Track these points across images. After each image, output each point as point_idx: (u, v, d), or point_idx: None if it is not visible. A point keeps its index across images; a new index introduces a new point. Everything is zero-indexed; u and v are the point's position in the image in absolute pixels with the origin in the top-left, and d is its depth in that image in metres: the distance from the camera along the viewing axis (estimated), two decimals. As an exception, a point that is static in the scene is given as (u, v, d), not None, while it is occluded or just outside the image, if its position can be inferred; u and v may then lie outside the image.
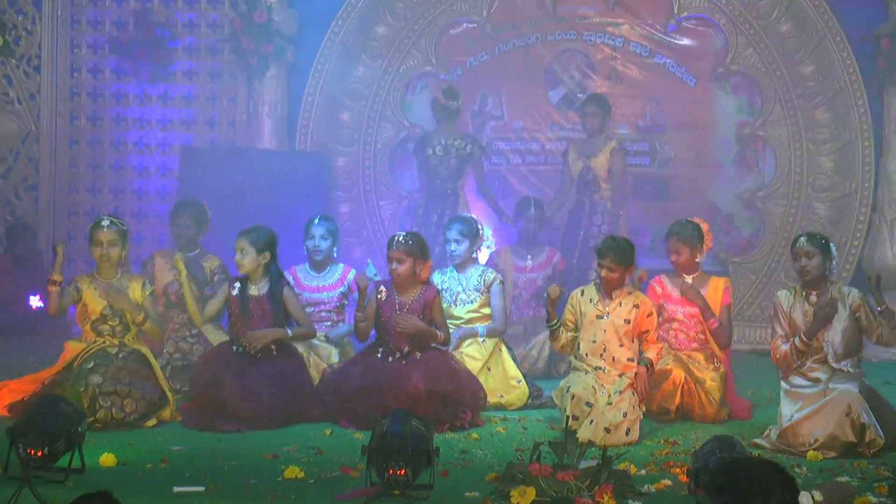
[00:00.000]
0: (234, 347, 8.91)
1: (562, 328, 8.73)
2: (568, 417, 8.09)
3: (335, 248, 10.07)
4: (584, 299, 8.77)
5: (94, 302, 8.84)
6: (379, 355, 8.89)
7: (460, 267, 9.83)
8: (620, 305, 8.67)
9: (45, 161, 12.70)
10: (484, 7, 12.69)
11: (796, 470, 7.54)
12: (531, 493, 6.55)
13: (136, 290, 8.90)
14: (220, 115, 12.81)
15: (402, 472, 6.34)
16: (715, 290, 9.28)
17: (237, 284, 8.98)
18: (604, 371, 8.59)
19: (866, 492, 6.95)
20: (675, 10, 12.49)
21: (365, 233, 12.87)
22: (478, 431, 8.59)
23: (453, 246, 9.81)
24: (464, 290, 9.75)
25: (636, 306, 8.67)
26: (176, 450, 7.89)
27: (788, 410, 8.19)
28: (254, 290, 8.94)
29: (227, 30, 12.62)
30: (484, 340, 9.61)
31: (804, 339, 8.25)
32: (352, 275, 9.96)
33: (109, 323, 8.83)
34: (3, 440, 6.79)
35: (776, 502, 4.31)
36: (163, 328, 9.35)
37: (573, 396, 8.43)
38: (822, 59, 12.31)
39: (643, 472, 7.41)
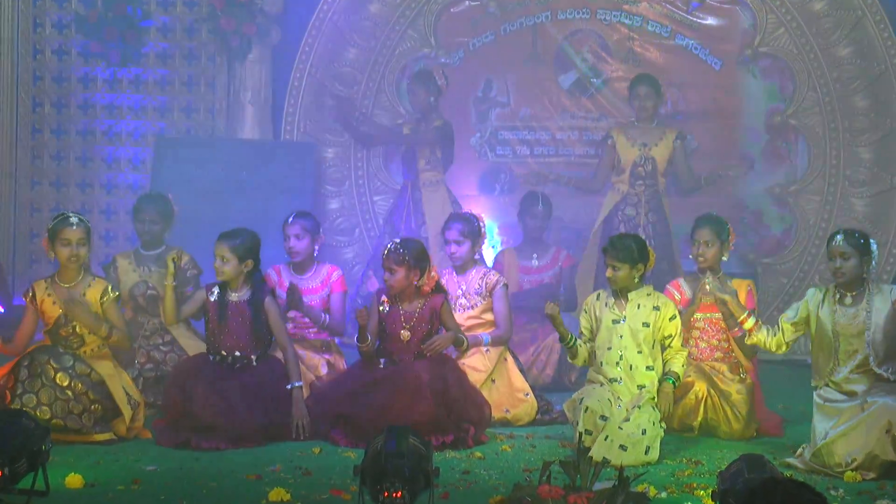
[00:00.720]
0: (211, 357, 8.94)
1: (579, 340, 8.75)
2: (581, 434, 8.11)
3: (316, 247, 10.07)
4: (599, 303, 8.80)
5: (50, 309, 8.81)
6: (381, 366, 8.96)
7: (461, 269, 9.84)
8: (638, 308, 8.69)
9: (3, 152, 12.71)
10: (488, -18, 12.74)
11: (831, 492, 7.59)
12: (540, 517, 6.58)
13: (95, 295, 8.87)
14: (198, 101, 12.83)
15: (399, 494, 6.32)
16: (738, 293, 9.31)
17: (215, 290, 9.00)
18: (620, 382, 8.61)
19: (909, 515, 7.01)
20: (699, -14, 12.55)
21: (357, 231, 12.89)
22: (481, 450, 8.61)
23: (454, 248, 9.80)
24: (463, 294, 9.76)
25: (656, 308, 8.69)
26: (150, 470, 7.92)
27: (823, 427, 8.20)
28: (234, 297, 8.96)
29: (205, 8, 12.62)
30: (488, 350, 9.62)
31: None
32: (336, 276, 9.98)
33: (63, 332, 8.82)
34: (-40, 459, 6.79)
35: None
36: (131, 337, 9.35)
37: (587, 409, 8.45)
38: (860, 40, 12.34)
39: (663, 494, 7.46)
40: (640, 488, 7.11)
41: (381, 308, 9.00)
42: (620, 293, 8.72)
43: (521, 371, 9.75)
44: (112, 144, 12.93)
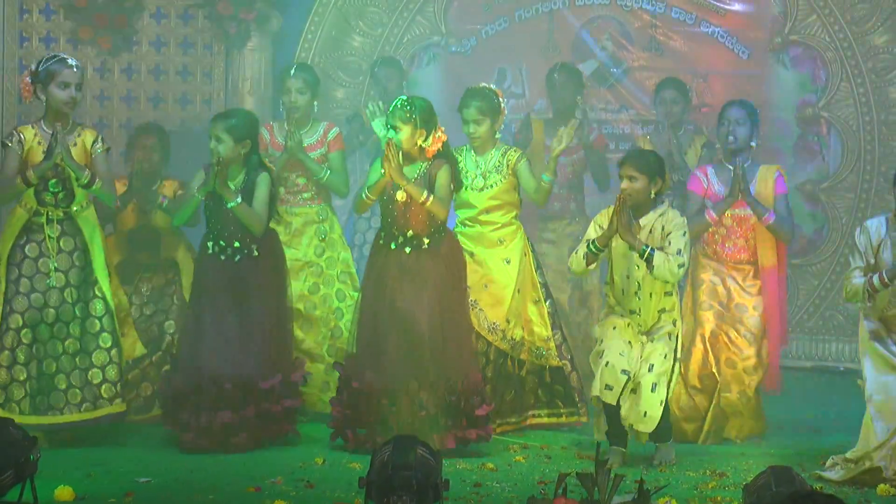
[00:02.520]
0: (211, 245, 9.15)
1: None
2: (597, 397, 8.60)
3: (315, 103, 10.20)
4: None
5: (38, 157, 8.88)
6: (381, 242, 9.12)
7: (480, 150, 9.74)
8: (651, 233, 8.78)
9: (-10, 144, 12.77)
10: (502, -34, 12.78)
11: (864, 506, 7.65)
12: (556, 532, 6.65)
13: (87, 142, 8.97)
14: (194, 91, 12.87)
15: (406, 507, 6.40)
16: (765, 181, 9.48)
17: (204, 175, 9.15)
18: (639, 314, 8.77)
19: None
20: (726, -30, 12.58)
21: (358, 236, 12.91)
22: (494, 461, 8.67)
23: (472, 127, 9.64)
24: (481, 174, 9.68)
25: (663, 228, 8.79)
26: (143, 482, 7.99)
27: (881, 395, 8.26)
28: (230, 185, 9.08)
29: (202, -7, 12.69)
30: (509, 261, 9.65)
31: (885, 278, 8.29)
32: (333, 134, 10.10)
33: (52, 190, 8.90)
34: (-58, 470, 6.86)
35: None
36: (114, 194, 9.37)
37: (607, 364, 8.65)
38: (896, 28, 12.37)
39: (686, 508, 7.51)
40: (661, 502, 7.17)
41: (382, 171, 9.03)
42: (634, 213, 8.77)
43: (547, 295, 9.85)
44: (103, 136, 12.96)
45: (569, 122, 10.36)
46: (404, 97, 9.21)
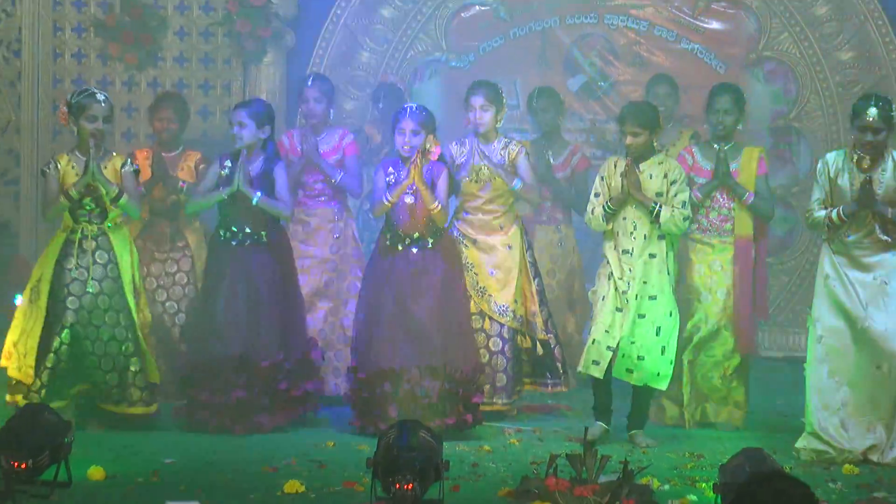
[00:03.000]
0: (222, 233, 9.22)
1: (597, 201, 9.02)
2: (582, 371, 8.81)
3: (331, 110, 10.27)
4: (616, 174, 8.97)
5: (71, 181, 8.95)
6: (388, 243, 9.15)
7: (484, 138, 9.72)
8: (651, 178, 8.86)
9: (25, 153, 12.76)
10: (498, -12, 12.79)
11: (830, 485, 7.66)
12: (547, 508, 6.68)
13: (116, 165, 9.01)
14: (214, 104, 12.88)
15: (410, 486, 6.39)
16: (749, 160, 9.50)
17: (227, 163, 9.17)
18: (631, 253, 8.84)
19: (905, 508, 7.09)
20: (704, -9, 12.60)
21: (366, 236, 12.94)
22: (490, 443, 8.72)
23: (479, 114, 9.63)
24: (485, 166, 9.64)
25: (665, 175, 8.90)
26: (168, 462, 8.01)
27: (832, 339, 8.40)
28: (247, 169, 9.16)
29: (221, 12, 12.65)
30: (510, 247, 9.66)
31: (842, 214, 8.37)
32: (348, 139, 10.17)
33: (87, 208, 8.95)
34: (-17, 452, 6.90)
35: None
36: (140, 208, 9.46)
37: (593, 341, 8.81)
38: (862, 45, 12.34)
39: (666, 486, 7.53)
40: (643, 481, 7.20)
41: (387, 178, 9.13)
42: (635, 161, 8.88)
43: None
44: (130, 145, 13.00)
45: (553, 145, 10.65)
46: (412, 105, 9.30)
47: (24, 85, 12.82)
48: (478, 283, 9.58)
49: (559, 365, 9.69)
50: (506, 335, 9.57)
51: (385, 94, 11.71)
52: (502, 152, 9.68)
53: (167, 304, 10.15)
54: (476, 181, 9.64)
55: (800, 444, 8.47)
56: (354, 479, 7.42)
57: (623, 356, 8.81)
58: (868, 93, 9.30)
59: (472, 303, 9.52)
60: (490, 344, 9.54)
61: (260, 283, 9.11)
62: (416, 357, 8.89)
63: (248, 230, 9.14)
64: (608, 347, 8.78)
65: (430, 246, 9.10)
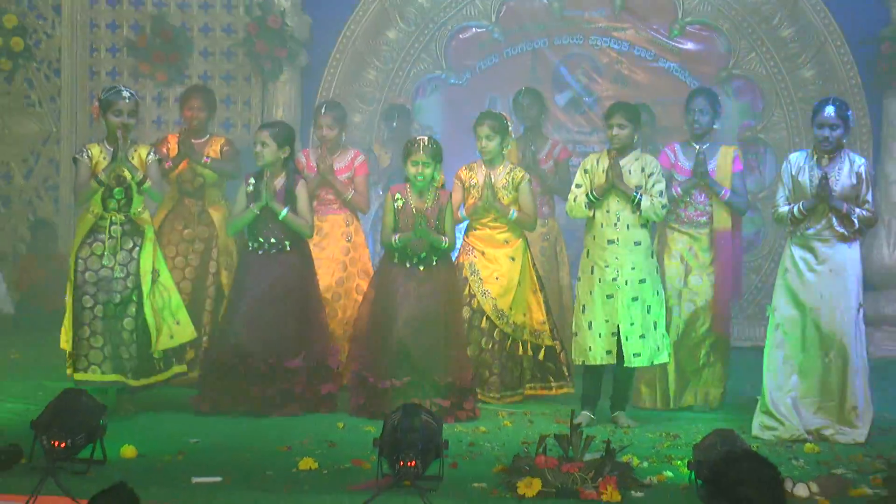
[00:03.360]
0: (250, 243, 9.21)
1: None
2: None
3: (343, 135, 10.26)
4: (598, 168, 8.94)
5: (102, 168, 8.92)
6: (395, 261, 9.10)
7: (490, 163, 9.67)
8: (630, 173, 8.85)
9: (65, 162, 12.78)
10: (493, 12, 12.74)
11: (793, 462, 7.66)
12: (537, 484, 6.66)
13: (142, 154, 8.99)
14: (235, 117, 12.90)
15: (413, 463, 6.41)
16: (725, 158, 9.46)
17: (252, 180, 9.16)
18: (617, 243, 8.80)
19: (862, 483, 7.06)
20: (680, 16, 12.56)
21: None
22: (485, 424, 8.71)
23: (484, 142, 9.61)
24: (492, 191, 9.56)
25: (643, 169, 8.88)
26: (193, 442, 8.01)
27: (788, 326, 8.43)
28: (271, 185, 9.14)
29: (242, 34, 12.67)
30: (514, 259, 9.63)
31: (801, 209, 8.38)
32: (359, 160, 10.17)
33: (117, 197, 8.93)
34: (28, 433, 6.90)
35: (752, 493, 4.45)
36: (161, 194, 9.44)
37: (599, 335, 8.82)
38: (823, 63, 12.35)
39: (645, 464, 7.52)
40: (624, 459, 7.19)
41: (395, 203, 9.10)
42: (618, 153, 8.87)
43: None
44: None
45: (536, 140, 10.52)
46: (426, 137, 9.27)
47: (64, 100, 12.87)
48: (482, 285, 9.58)
49: (564, 368, 9.67)
50: (496, 336, 9.56)
51: (398, 114, 11.70)
52: (507, 177, 9.63)
53: (195, 281, 10.14)
54: (486, 203, 9.56)
55: (755, 421, 8.48)
56: (362, 457, 7.40)
57: (626, 339, 8.79)
58: (827, 95, 9.31)
59: (475, 300, 9.53)
60: (482, 342, 9.54)
61: (283, 289, 9.09)
62: (417, 365, 8.86)
63: (273, 241, 9.14)
64: (613, 334, 8.78)
65: (434, 264, 9.07)
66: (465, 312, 9.52)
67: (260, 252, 9.14)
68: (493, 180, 9.57)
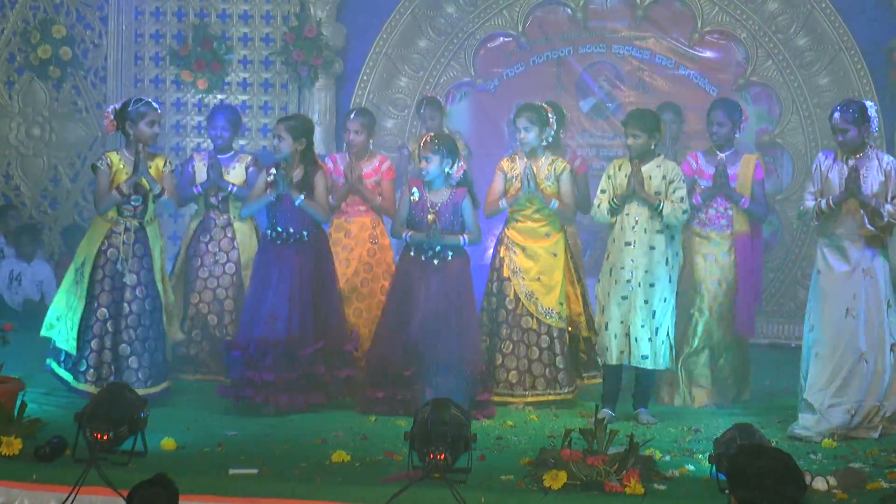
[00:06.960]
0: (269, 232, 9.07)
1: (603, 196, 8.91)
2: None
3: (371, 141, 10.10)
4: (620, 173, 8.84)
5: (121, 177, 8.87)
6: (412, 254, 8.95)
7: (531, 155, 9.35)
8: (650, 179, 8.71)
9: (112, 166, 12.76)
10: (519, 22, 12.68)
11: (811, 456, 7.56)
12: (563, 476, 6.58)
13: (159, 164, 8.94)
14: (272, 123, 12.82)
15: (442, 456, 6.36)
16: (747, 167, 9.31)
17: (272, 170, 9.03)
18: (634, 245, 8.70)
19: (878, 477, 6.98)
20: (699, 25, 12.46)
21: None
22: (513, 418, 8.61)
23: (522, 133, 9.29)
24: (535, 181, 9.22)
25: (664, 176, 8.74)
26: (231, 435, 7.95)
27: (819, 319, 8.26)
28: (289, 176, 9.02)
29: (279, 44, 12.66)
30: (556, 255, 9.34)
31: (831, 203, 8.22)
32: (386, 166, 10.00)
33: (134, 203, 8.86)
34: (71, 425, 6.86)
35: (773, 485, 4.38)
36: (176, 203, 9.40)
37: (615, 335, 8.71)
38: (837, 71, 12.25)
39: (667, 457, 7.44)
40: (647, 452, 7.11)
41: (411, 197, 8.96)
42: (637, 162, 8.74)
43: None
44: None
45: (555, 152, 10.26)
46: (432, 134, 9.17)
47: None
48: (526, 287, 9.29)
49: (598, 359, 9.45)
50: (554, 334, 9.28)
51: (427, 103, 11.49)
52: (549, 168, 9.35)
53: (217, 290, 10.04)
54: (528, 192, 9.22)
55: (797, 422, 8.24)
56: (394, 450, 7.35)
57: (636, 340, 8.65)
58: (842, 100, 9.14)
59: (520, 305, 9.26)
60: (539, 341, 9.27)
61: (301, 277, 8.97)
62: (433, 355, 8.69)
63: (291, 230, 9.00)
64: (626, 335, 8.65)
65: (449, 258, 8.91)
66: (501, 315, 9.29)
67: (279, 242, 9.02)
68: (535, 171, 9.28)
